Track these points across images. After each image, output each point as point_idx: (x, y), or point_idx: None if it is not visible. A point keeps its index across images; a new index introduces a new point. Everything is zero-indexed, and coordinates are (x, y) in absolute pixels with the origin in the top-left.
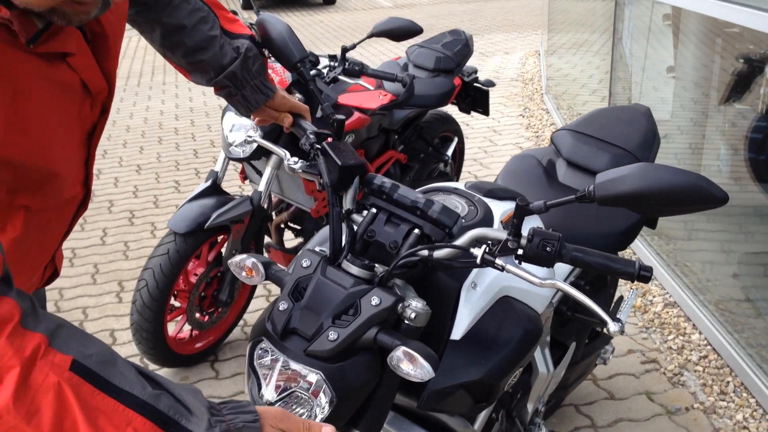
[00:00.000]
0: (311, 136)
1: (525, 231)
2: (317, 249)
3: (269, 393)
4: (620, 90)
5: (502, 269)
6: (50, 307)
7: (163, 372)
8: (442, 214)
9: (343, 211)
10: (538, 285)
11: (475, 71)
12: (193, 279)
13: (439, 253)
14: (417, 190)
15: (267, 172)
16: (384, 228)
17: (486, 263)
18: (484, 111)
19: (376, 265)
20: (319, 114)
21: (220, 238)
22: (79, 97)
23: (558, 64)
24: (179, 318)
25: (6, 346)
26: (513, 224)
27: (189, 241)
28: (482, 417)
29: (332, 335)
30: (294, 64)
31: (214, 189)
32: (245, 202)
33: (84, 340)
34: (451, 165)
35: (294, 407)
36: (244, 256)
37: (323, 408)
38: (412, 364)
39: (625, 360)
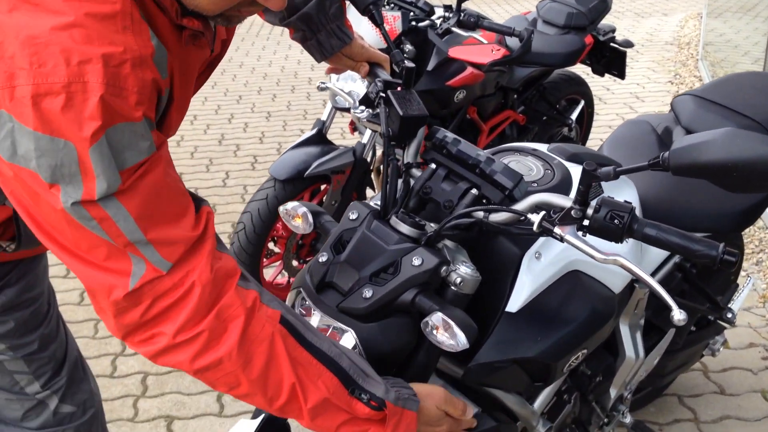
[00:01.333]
0: (378, 84)
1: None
2: (372, 203)
3: None
4: None
5: (561, 239)
6: None
7: None
8: (502, 174)
9: (403, 165)
10: (600, 261)
11: (613, 30)
12: None
13: (495, 217)
14: (494, 148)
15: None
16: (441, 185)
17: (544, 231)
18: (620, 74)
19: (428, 224)
20: (430, 66)
21: (322, 187)
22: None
23: (720, 29)
24: (277, 264)
25: (234, 297)
26: (579, 191)
27: (288, 187)
28: (545, 395)
29: (367, 293)
30: (366, 6)
31: (319, 138)
32: (347, 153)
33: (279, 300)
34: (576, 130)
35: None
36: (296, 203)
37: None
38: (446, 332)
39: (743, 354)
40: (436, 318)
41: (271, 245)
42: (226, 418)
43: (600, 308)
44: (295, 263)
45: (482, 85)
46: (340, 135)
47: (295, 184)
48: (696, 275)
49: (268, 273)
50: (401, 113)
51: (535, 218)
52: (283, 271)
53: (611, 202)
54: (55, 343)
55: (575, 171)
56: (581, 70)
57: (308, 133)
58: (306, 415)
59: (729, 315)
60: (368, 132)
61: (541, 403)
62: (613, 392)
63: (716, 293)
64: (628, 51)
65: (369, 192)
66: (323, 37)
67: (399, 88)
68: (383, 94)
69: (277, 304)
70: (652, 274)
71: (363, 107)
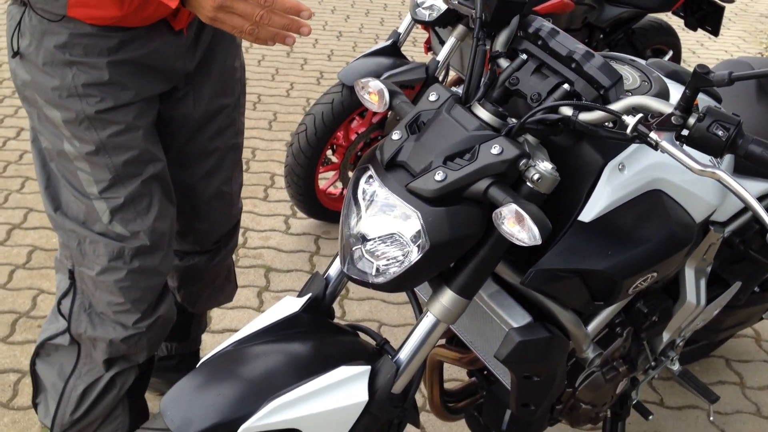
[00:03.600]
0: None
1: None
2: (455, 90)
3: (366, 226)
4: None
5: (656, 146)
6: None
7: (308, 222)
8: (600, 70)
9: (492, 51)
10: (698, 172)
11: None
12: (353, 137)
13: (585, 116)
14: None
15: (449, 42)
16: (530, 77)
17: (639, 136)
18: (714, 30)
19: (510, 118)
20: None
21: None
22: None
23: None
24: (333, 173)
25: None
26: (684, 96)
27: (355, 95)
28: (599, 321)
29: (439, 175)
30: None
31: (393, 49)
32: (420, 69)
33: None
34: None
35: (389, 245)
36: (372, 78)
37: (413, 252)
38: (518, 225)
39: None
40: (510, 209)
41: (329, 154)
42: None
43: (678, 233)
44: (350, 174)
45: (569, 17)
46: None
47: None
48: None
49: (323, 182)
50: None
51: (631, 120)
52: (338, 181)
53: (718, 112)
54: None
55: (674, 88)
56: (673, 22)
57: (382, 43)
58: None
59: None
60: (445, 50)
61: (594, 327)
62: (666, 336)
63: None
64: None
65: None
66: None
67: None
68: None
69: None
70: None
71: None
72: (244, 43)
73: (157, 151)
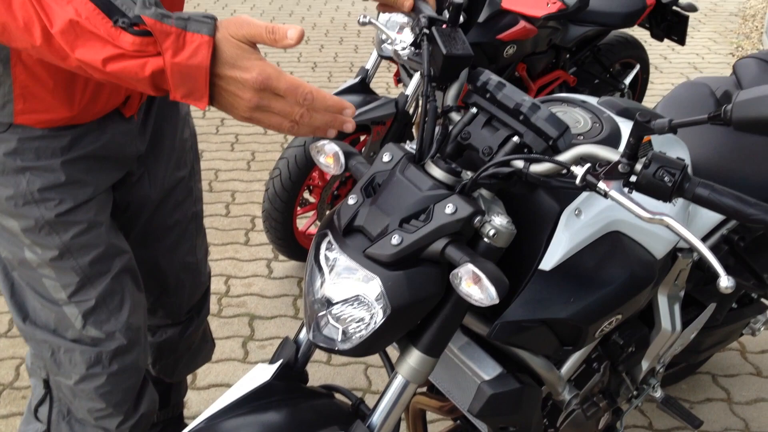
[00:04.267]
0: (422, 20)
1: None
2: (408, 147)
3: (329, 290)
4: None
5: (605, 195)
6: (204, 187)
7: (290, 265)
8: (547, 122)
9: (442, 108)
10: (646, 220)
11: None
12: (328, 177)
13: (536, 168)
14: (540, 97)
15: (416, 77)
16: (481, 131)
17: (587, 185)
18: (680, 39)
19: (465, 171)
20: (482, 18)
21: (362, 137)
22: None
23: None
24: (311, 213)
25: None
26: (629, 144)
27: None
28: (571, 363)
29: (395, 239)
30: None
31: (362, 86)
32: (390, 104)
33: None
34: (629, 94)
35: (356, 307)
36: (327, 141)
37: (378, 314)
38: (475, 285)
39: None
40: (466, 269)
41: (306, 194)
42: (249, 365)
43: (639, 273)
44: (328, 213)
45: (534, 42)
46: (385, 89)
47: None
48: (743, 249)
49: (302, 223)
50: (444, 51)
51: (579, 171)
52: (317, 221)
53: (663, 157)
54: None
55: (625, 126)
56: (639, 34)
57: (351, 81)
58: (57, 35)
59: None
60: (413, 84)
61: (568, 369)
62: (645, 364)
63: (763, 270)
64: (690, 18)
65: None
66: None
67: (444, 26)
68: (427, 31)
69: None
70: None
71: (405, 42)
72: None
73: (121, 243)
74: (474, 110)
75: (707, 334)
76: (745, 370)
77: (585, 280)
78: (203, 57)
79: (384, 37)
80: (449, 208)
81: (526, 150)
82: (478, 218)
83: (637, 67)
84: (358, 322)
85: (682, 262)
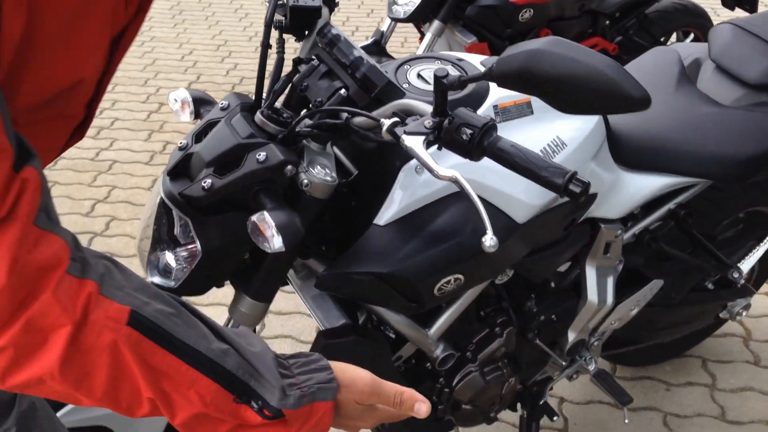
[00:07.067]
0: None
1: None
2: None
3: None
4: None
5: (398, 140)
6: None
7: None
8: (369, 74)
9: (296, 57)
10: (436, 176)
11: None
12: None
13: (357, 120)
14: (409, 55)
15: (426, 38)
16: (318, 83)
17: (392, 136)
18: (752, 8)
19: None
20: None
21: None
22: None
23: None
24: None
25: (51, 301)
26: (436, 100)
27: None
28: (442, 321)
29: (206, 183)
30: None
31: (377, 48)
32: None
33: (138, 283)
34: None
35: (177, 251)
36: (181, 89)
37: (196, 257)
38: (265, 232)
39: None
40: (257, 217)
41: None
42: None
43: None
44: None
45: (557, 5)
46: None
47: None
48: (693, 225)
49: None
50: (290, 2)
51: (386, 123)
52: None
53: (466, 115)
54: None
55: (495, 86)
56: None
57: (365, 42)
58: (177, 426)
59: (735, 274)
60: (422, 46)
61: (438, 328)
62: (571, 335)
63: (719, 248)
64: None
65: None
66: None
67: None
68: None
69: (131, 294)
70: (636, 217)
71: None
72: None
73: None
74: (315, 62)
75: (664, 313)
76: (742, 357)
77: (420, 238)
78: (327, 424)
79: None
80: (261, 156)
81: (351, 103)
82: (289, 167)
83: (691, 35)
84: (181, 262)
85: (608, 234)
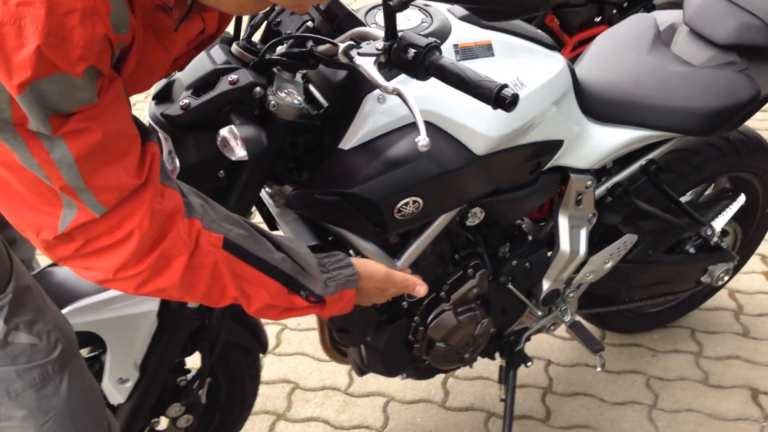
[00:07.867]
0: None
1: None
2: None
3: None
4: None
5: (351, 60)
6: None
7: None
8: (332, 6)
9: None
10: (382, 90)
11: None
12: None
13: (321, 48)
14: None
15: None
16: (290, 17)
17: (347, 57)
18: None
19: (270, 54)
20: None
21: None
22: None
23: None
24: None
25: (176, 238)
26: (387, 24)
27: None
28: (409, 253)
29: (184, 103)
30: None
31: None
32: None
33: (223, 214)
34: None
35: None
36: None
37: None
38: (229, 143)
39: None
40: (225, 129)
41: None
42: None
43: (440, 160)
44: None
45: None
46: None
47: None
48: (664, 180)
49: None
50: None
51: (341, 46)
52: None
53: (412, 37)
54: None
55: (459, 27)
56: None
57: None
58: (249, 312)
59: (708, 232)
60: None
61: (406, 259)
62: (546, 284)
63: (706, 212)
64: None
65: None
66: None
67: None
68: None
69: (221, 225)
70: (609, 172)
71: None
72: None
73: None
74: None
75: (640, 269)
76: (732, 329)
77: (381, 161)
78: (350, 305)
79: None
80: (232, 78)
81: (316, 34)
82: (258, 89)
83: None
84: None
85: (578, 184)
